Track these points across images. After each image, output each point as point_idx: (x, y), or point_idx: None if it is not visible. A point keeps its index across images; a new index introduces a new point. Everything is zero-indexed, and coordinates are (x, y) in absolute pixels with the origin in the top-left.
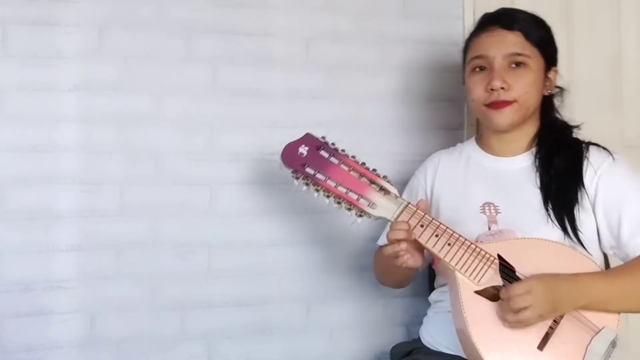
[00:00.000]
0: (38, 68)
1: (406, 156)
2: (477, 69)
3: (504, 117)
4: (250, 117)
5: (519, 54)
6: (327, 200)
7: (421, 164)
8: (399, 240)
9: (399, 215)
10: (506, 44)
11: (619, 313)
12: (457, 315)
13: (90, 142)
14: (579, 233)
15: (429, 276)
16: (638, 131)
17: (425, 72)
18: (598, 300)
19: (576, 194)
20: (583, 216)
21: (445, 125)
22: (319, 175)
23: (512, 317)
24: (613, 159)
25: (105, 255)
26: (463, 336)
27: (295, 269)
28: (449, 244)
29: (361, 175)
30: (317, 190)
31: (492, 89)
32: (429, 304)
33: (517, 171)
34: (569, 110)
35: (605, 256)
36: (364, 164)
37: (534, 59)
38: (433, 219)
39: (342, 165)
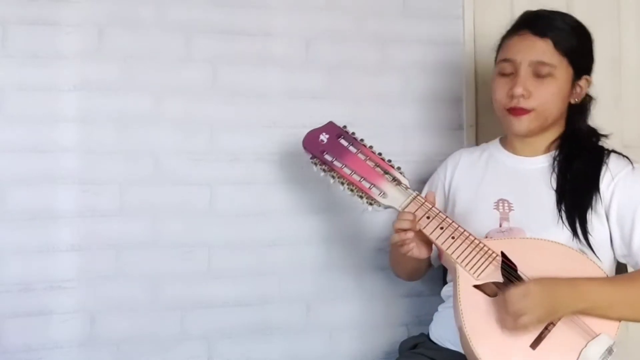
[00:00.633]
0: (38, 68)
1: (406, 156)
2: (504, 72)
3: (521, 124)
4: (250, 117)
5: (544, 63)
6: (341, 187)
7: (422, 163)
8: (405, 230)
9: (406, 206)
10: (534, 51)
11: (618, 321)
12: (455, 307)
13: (90, 142)
14: (589, 236)
15: (443, 272)
16: (638, 131)
17: (425, 72)
18: (597, 305)
19: (591, 198)
20: (595, 221)
21: (445, 125)
22: (336, 163)
23: (509, 319)
24: (633, 167)
25: (105, 255)
26: (458, 328)
27: (295, 269)
28: (453, 237)
29: (376, 165)
30: (333, 177)
31: (512, 95)
32: (430, 304)
33: (534, 171)
34: None
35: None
36: (380, 154)
37: (561, 69)
38: (440, 211)
39: (359, 154)
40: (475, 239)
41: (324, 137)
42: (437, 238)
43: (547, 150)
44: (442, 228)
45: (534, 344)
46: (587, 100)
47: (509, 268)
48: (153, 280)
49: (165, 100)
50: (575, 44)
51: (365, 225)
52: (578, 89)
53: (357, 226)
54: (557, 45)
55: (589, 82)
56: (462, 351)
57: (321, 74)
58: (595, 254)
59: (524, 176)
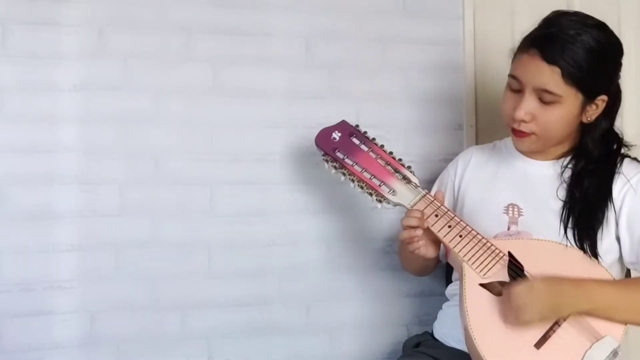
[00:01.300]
0: (38, 68)
1: (406, 156)
2: (512, 87)
3: (522, 144)
4: (250, 117)
5: (549, 92)
6: (351, 184)
7: (422, 163)
8: (413, 227)
9: (415, 204)
10: (540, 77)
11: (624, 324)
12: (460, 305)
13: (90, 142)
14: (599, 257)
15: (446, 271)
16: (637, 130)
17: (425, 72)
18: (602, 307)
19: (602, 216)
20: (605, 233)
21: (445, 125)
22: (347, 160)
23: (511, 314)
24: None
25: (105, 255)
26: (463, 326)
27: (295, 269)
28: (460, 236)
29: (387, 163)
30: (344, 174)
31: (514, 118)
32: (430, 305)
33: (545, 177)
34: None
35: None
36: (391, 153)
37: (568, 98)
38: (448, 210)
39: (371, 153)
40: (482, 238)
41: (336, 135)
42: (444, 236)
43: (560, 156)
44: (450, 226)
45: (539, 344)
46: (603, 115)
47: (515, 268)
48: (153, 280)
49: (165, 100)
50: (588, 71)
51: (366, 225)
52: (593, 108)
53: (358, 226)
54: (566, 75)
55: (604, 101)
56: (465, 349)
57: (321, 74)
58: (601, 258)
59: (534, 181)
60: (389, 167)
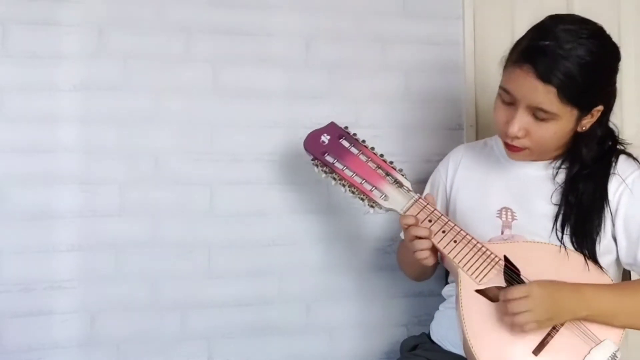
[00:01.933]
0: (38, 68)
1: (406, 156)
2: (504, 100)
3: (515, 157)
4: (250, 117)
5: (544, 111)
6: (342, 189)
7: (422, 163)
8: (422, 238)
9: (408, 209)
10: (534, 95)
11: (622, 328)
12: (457, 312)
13: (90, 142)
14: (599, 263)
15: (445, 271)
16: (637, 130)
17: (425, 72)
18: (601, 312)
19: (599, 221)
20: (602, 235)
21: (445, 125)
22: (337, 164)
23: (508, 320)
24: None
25: (105, 255)
26: (460, 333)
27: (296, 269)
28: (455, 241)
29: (378, 166)
30: (334, 179)
31: (507, 133)
32: (429, 305)
33: (538, 179)
34: None
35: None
36: (382, 155)
37: (564, 114)
38: (442, 215)
39: (361, 156)
40: (477, 242)
41: (325, 138)
42: (439, 242)
43: (553, 157)
44: (444, 232)
45: (537, 350)
46: (598, 123)
47: (511, 272)
48: (153, 280)
49: (165, 100)
50: (583, 87)
51: (365, 225)
52: (588, 118)
53: (357, 226)
54: (561, 94)
55: (600, 111)
56: (462, 353)
57: (321, 74)
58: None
59: (527, 183)
60: (380, 171)
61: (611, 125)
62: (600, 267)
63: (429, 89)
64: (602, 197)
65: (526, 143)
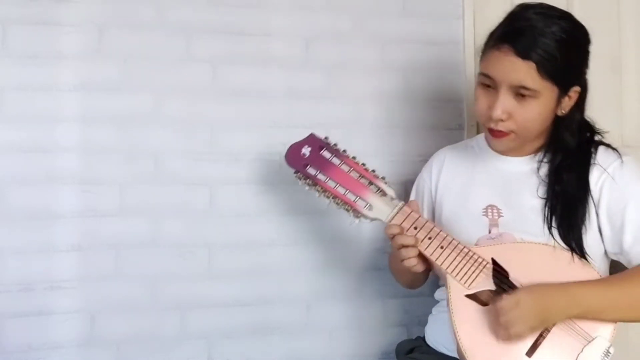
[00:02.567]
0: (38, 68)
1: (406, 156)
2: (485, 84)
3: (500, 144)
4: (250, 117)
5: (526, 88)
6: (327, 201)
7: (422, 163)
8: (408, 246)
9: (392, 218)
10: (515, 73)
11: (614, 322)
12: (449, 318)
13: (90, 142)
14: (587, 255)
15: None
16: (638, 131)
17: (425, 72)
18: (591, 309)
19: (584, 212)
20: (588, 226)
21: (445, 125)
22: (320, 176)
23: (502, 330)
24: (621, 161)
25: (105, 255)
26: (453, 339)
27: (295, 269)
28: (442, 247)
29: (361, 176)
30: (318, 191)
31: (491, 117)
32: (429, 305)
33: (521, 174)
34: None
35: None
36: (364, 164)
37: (545, 91)
38: (427, 221)
39: (343, 166)
40: (464, 247)
41: (306, 150)
42: (425, 249)
43: (535, 151)
44: (430, 238)
45: (530, 352)
46: (577, 107)
47: (500, 275)
48: (153, 280)
49: (165, 100)
50: (562, 63)
51: (365, 225)
52: (567, 100)
53: (357, 226)
54: (541, 69)
55: (577, 92)
56: (457, 356)
57: (321, 74)
58: (588, 256)
59: (511, 179)
60: (362, 180)
61: (587, 119)
62: (588, 261)
63: (429, 89)
64: (584, 188)
65: (510, 126)
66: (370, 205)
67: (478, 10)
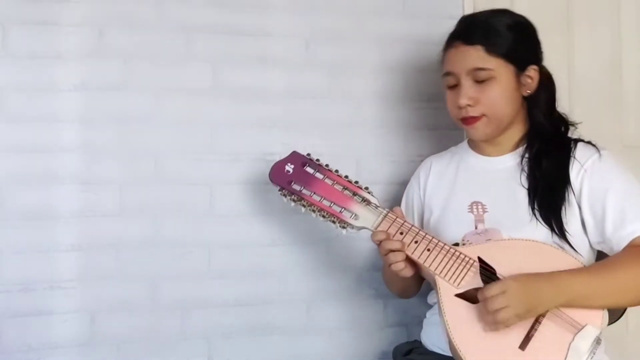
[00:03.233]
0: (38, 68)
1: (406, 156)
2: (449, 84)
3: (476, 131)
4: (250, 117)
5: (481, 69)
6: (313, 215)
7: (419, 164)
8: (394, 251)
9: (378, 225)
10: (467, 59)
11: (602, 309)
12: (440, 318)
13: (90, 142)
14: (567, 234)
15: None
16: (638, 131)
17: (425, 72)
18: (578, 296)
19: (563, 195)
20: (570, 215)
21: (445, 125)
22: (304, 191)
23: (490, 318)
24: (600, 155)
25: (105, 255)
26: (447, 339)
27: (295, 269)
28: (429, 250)
29: (344, 187)
30: (304, 206)
31: (459, 106)
32: (428, 305)
33: (504, 170)
34: (568, 111)
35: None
36: (346, 177)
37: (500, 70)
38: (412, 225)
39: (327, 180)
40: (450, 248)
41: (289, 167)
42: (412, 252)
43: (515, 147)
44: (416, 242)
45: (523, 345)
46: (543, 88)
47: (487, 272)
48: (153, 280)
49: (166, 100)
50: (510, 41)
51: None
52: (528, 80)
53: None
54: (489, 49)
55: (537, 71)
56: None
57: (321, 74)
58: (572, 247)
59: (494, 176)
60: (346, 192)
61: (561, 112)
62: (568, 240)
63: (429, 89)
64: (564, 174)
65: (480, 109)
66: (355, 215)
67: (478, 10)
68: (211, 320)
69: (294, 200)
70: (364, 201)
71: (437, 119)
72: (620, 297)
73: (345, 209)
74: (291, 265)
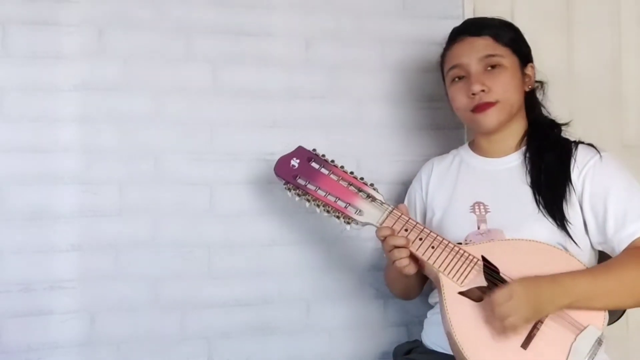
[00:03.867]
0: (38, 68)
1: (406, 156)
2: (456, 79)
3: (490, 118)
4: (250, 117)
5: (492, 55)
6: (317, 210)
7: (422, 163)
8: (399, 247)
9: (383, 221)
10: (477, 48)
11: (604, 310)
12: (443, 317)
13: (90, 142)
14: (568, 226)
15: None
16: (638, 131)
17: (425, 72)
18: (581, 298)
19: (564, 189)
20: (571, 212)
21: (445, 125)
22: (309, 186)
23: (499, 325)
24: (600, 156)
25: (105, 255)
26: (449, 337)
27: (295, 269)
28: (433, 247)
29: (349, 184)
30: (308, 201)
31: (473, 94)
32: (429, 305)
33: (506, 171)
34: (568, 110)
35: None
36: (352, 173)
37: (508, 58)
38: (417, 223)
39: (332, 175)
40: (454, 246)
41: (294, 162)
42: (417, 249)
43: (516, 148)
44: (421, 239)
45: (525, 344)
46: (538, 86)
47: (491, 271)
48: (153, 280)
49: (165, 100)
50: (513, 35)
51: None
52: (528, 75)
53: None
54: (497, 39)
55: (534, 69)
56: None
57: (321, 74)
58: (576, 243)
59: (496, 177)
60: (352, 188)
61: (545, 113)
62: (569, 232)
63: (429, 89)
64: (565, 169)
65: (493, 95)
66: (360, 210)
67: (478, 10)
68: (211, 320)
69: (298, 195)
70: (369, 197)
71: (437, 119)
72: (623, 299)
73: (350, 204)
74: (291, 265)
